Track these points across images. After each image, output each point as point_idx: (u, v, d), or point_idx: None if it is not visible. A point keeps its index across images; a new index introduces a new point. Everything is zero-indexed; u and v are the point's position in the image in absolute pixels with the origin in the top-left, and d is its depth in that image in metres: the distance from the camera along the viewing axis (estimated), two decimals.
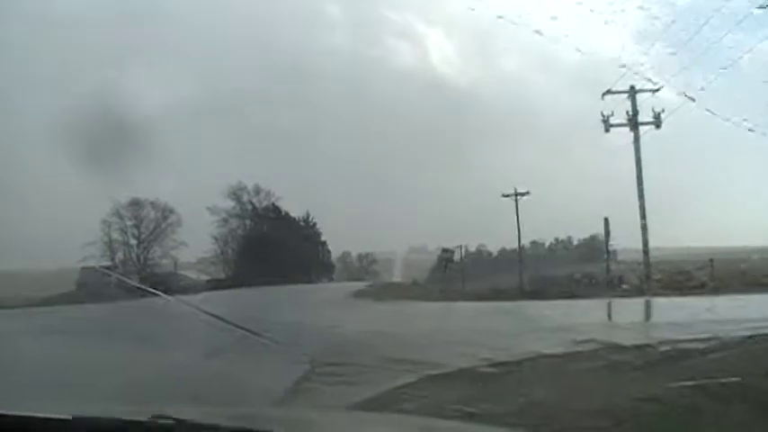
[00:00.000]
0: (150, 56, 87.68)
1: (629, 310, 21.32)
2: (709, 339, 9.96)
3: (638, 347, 9.61)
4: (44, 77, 66.24)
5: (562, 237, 74.11)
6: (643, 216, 30.06)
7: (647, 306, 22.51)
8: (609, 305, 22.78)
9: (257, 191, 63.85)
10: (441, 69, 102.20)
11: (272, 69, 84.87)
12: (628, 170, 31.08)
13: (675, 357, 8.67)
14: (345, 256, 79.10)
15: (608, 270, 30.35)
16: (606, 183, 51.88)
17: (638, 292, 27.96)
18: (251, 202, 64.54)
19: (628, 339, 10.68)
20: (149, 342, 11.84)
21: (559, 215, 57.59)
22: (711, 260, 29.78)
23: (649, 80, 22.25)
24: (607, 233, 29.40)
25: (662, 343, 9.92)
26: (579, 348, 9.90)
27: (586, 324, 14.05)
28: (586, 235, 67.56)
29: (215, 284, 52.79)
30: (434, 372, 8.21)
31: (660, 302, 22.81)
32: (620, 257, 39.95)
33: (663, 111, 30.24)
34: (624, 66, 21.65)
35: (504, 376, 7.85)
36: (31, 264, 46.93)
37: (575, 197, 55.23)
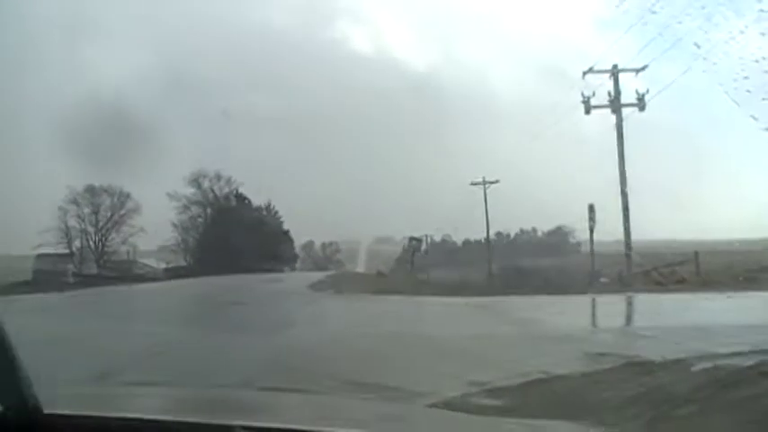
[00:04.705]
0: (108, 31, 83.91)
1: (624, 308, 18.96)
2: (753, 353, 7.83)
3: (675, 364, 7.37)
4: None
5: (527, 228, 72.90)
6: (625, 203, 28.05)
7: (645, 303, 20.18)
8: (598, 303, 20.38)
9: (218, 177, 62.13)
10: (403, 56, 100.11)
11: (230, 53, 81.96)
12: (602, 157, 29.48)
13: (728, 382, 6.49)
14: (309, 244, 76.96)
15: (592, 263, 28.26)
16: (579, 171, 50.38)
17: (619, 286, 25.85)
18: (212, 189, 62.35)
19: (653, 351, 8.42)
20: None
21: (525, 205, 56.27)
22: (697, 253, 28.03)
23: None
24: (592, 221, 27.34)
25: (700, 358, 7.64)
26: (597, 366, 7.62)
27: (587, 328, 11.94)
28: (552, 226, 66.26)
29: (174, 273, 51.79)
30: (409, 405, 5.52)
31: (654, 299, 20.56)
32: (595, 249, 38.19)
33: (647, 91, 28.31)
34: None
35: (512, 412, 5.54)
36: None
37: (543, 186, 53.71)
